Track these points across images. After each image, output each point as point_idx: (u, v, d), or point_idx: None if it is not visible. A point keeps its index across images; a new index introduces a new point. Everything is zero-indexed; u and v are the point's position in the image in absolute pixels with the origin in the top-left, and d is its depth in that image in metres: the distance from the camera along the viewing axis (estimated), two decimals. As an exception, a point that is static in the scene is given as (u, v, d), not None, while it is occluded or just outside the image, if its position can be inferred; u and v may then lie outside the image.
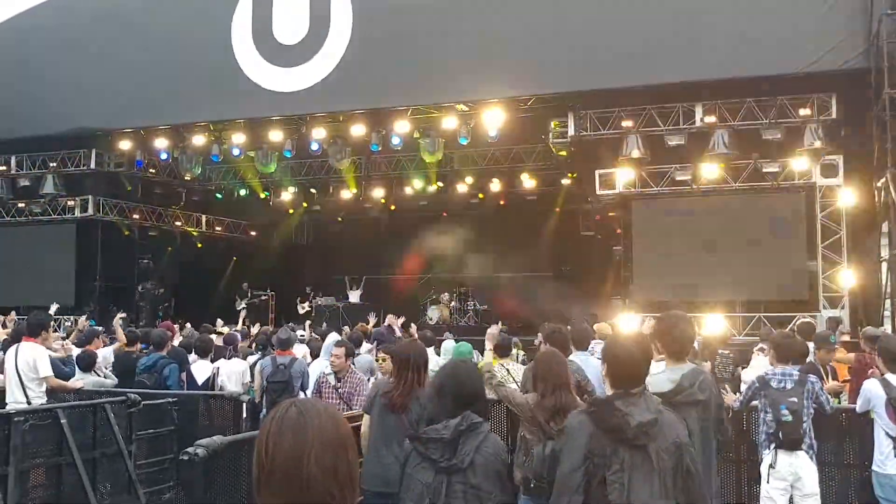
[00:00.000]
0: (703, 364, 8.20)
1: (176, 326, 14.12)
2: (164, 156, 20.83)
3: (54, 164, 21.57)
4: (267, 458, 1.81)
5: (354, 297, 23.48)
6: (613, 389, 3.80)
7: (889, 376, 6.39)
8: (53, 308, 11.22)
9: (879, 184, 14.51)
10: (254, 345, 11.76)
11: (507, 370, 7.02)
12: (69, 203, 22.39)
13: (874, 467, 6.37)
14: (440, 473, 3.62)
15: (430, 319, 22.48)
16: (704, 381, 4.60)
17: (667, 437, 3.65)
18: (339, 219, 27.02)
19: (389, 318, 14.03)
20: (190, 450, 4.89)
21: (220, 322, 18.67)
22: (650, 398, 3.80)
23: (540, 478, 5.12)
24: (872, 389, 6.43)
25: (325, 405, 1.95)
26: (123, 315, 12.81)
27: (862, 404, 6.54)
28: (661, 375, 4.67)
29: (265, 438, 1.83)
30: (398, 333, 12.98)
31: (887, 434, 6.26)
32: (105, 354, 10.31)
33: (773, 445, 6.17)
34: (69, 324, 19.39)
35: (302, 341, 11.90)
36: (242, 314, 19.79)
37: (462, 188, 23.86)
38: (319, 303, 22.99)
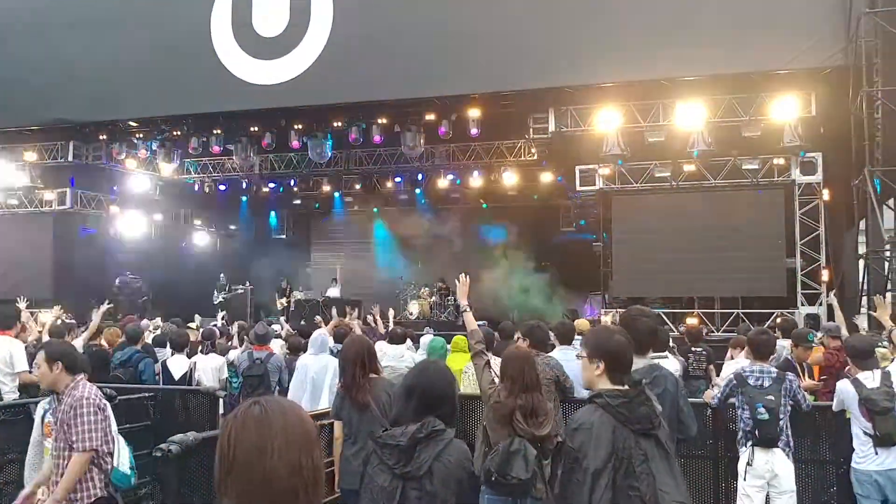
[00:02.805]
0: (676, 360, 8.22)
1: (148, 321, 13.96)
2: (142, 149, 20.63)
3: (32, 157, 21.33)
4: (229, 452, 1.78)
5: (334, 291, 23.44)
6: (613, 382, 3.76)
7: (861, 376, 6.42)
8: (22, 304, 11.09)
9: (857, 181, 14.59)
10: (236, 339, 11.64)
11: (488, 361, 6.99)
12: (47, 196, 22.17)
13: (853, 464, 6.40)
14: (396, 478, 3.57)
15: (411, 314, 22.46)
16: (658, 378, 4.57)
17: (665, 427, 3.72)
18: (320, 212, 26.91)
19: (373, 311, 13.91)
20: (163, 446, 4.83)
21: (197, 318, 18.56)
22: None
23: (503, 473, 5.11)
24: (845, 390, 6.48)
25: (291, 403, 1.91)
26: (110, 305, 12.61)
27: (836, 404, 6.60)
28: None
29: (227, 433, 1.80)
30: (381, 330, 12.91)
31: (864, 432, 6.31)
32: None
33: (749, 443, 6.18)
34: (46, 317, 19.18)
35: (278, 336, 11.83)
36: (222, 311, 19.67)
37: (443, 183, 23.82)
38: (298, 297, 22.91)
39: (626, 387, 3.72)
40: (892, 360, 6.85)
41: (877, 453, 6.26)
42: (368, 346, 6.02)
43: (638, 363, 4.51)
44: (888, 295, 13.75)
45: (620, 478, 3.53)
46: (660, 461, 3.57)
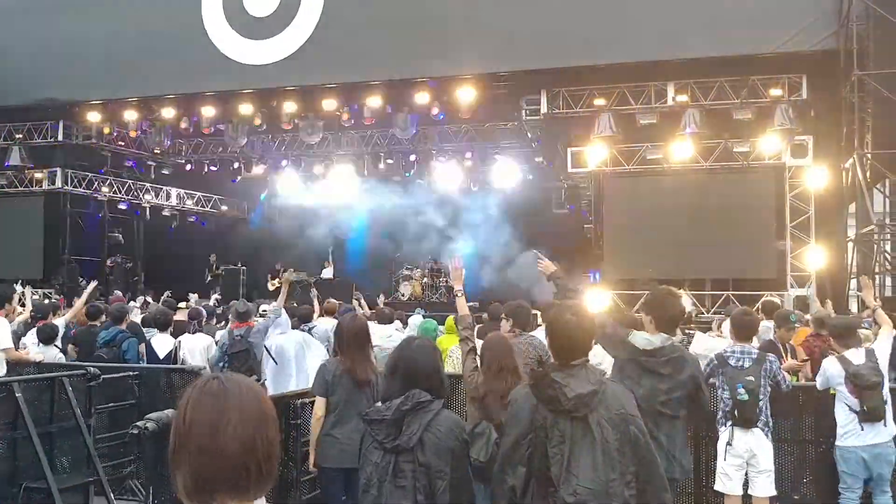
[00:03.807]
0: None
1: (139, 300, 13.95)
2: (133, 128, 20.53)
3: (20, 136, 21.23)
4: (183, 426, 1.78)
5: (327, 272, 23.42)
6: (557, 360, 3.80)
7: (847, 353, 6.48)
8: (18, 287, 11.09)
9: (847, 164, 14.62)
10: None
11: (472, 347, 7.01)
12: (36, 175, 22.09)
13: (837, 442, 6.48)
14: (387, 453, 3.60)
15: (402, 295, 22.50)
16: (676, 358, 4.86)
17: (610, 408, 3.61)
18: (310, 193, 26.84)
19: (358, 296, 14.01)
20: (140, 423, 4.86)
21: (192, 297, 18.53)
22: (592, 370, 3.77)
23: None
24: (831, 367, 6.54)
25: (249, 381, 1.92)
26: (96, 284, 12.61)
27: (821, 382, 6.66)
28: (640, 334, 4.94)
29: (184, 407, 1.81)
30: (366, 310, 12.97)
31: (850, 409, 6.38)
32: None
33: (729, 423, 6.23)
34: (36, 297, 19.17)
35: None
36: (215, 294, 19.68)
37: (434, 164, 23.76)
38: (291, 278, 22.84)
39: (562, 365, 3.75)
40: (874, 341, 6.91)
41: (862, 429, 6.33)
42: (367, 325, 6.16)
43: (663, 337, 4.84)
44: (876, 277, 13.82)
45: (538, 456, 3.57)
46: (581, 444, 3.53)
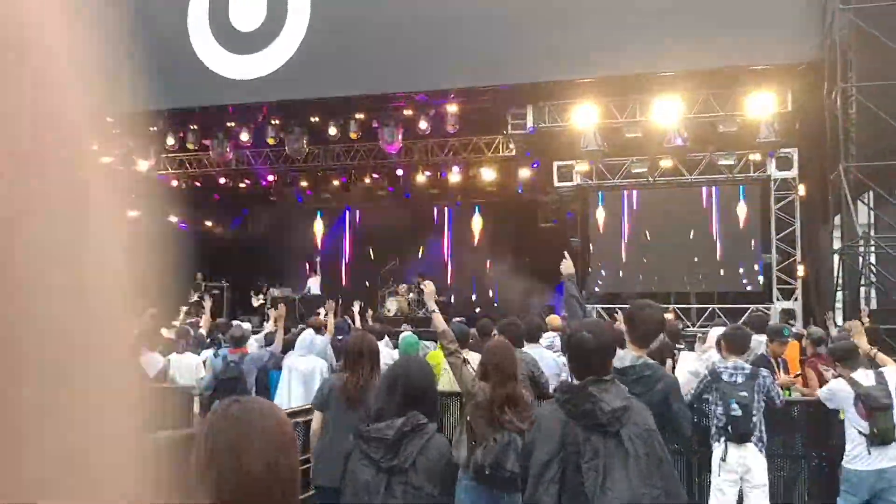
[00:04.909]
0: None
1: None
2: (117, 144, 20.41)
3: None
4: (205, 452, 1.77)
5: (314, 284, 23.25)
6: (576, 377, 3.77)
7: (855, 375, 6.41)
8: None
9: (832, 177, 14.70)
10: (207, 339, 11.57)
11: (465, 359, 6.99)
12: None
13: (844, 464, 6.40)
14: (381, 472, 3.58)
15: (389, 311, 22.40)
16: (646, 379, 4.62)
17: (638, 424, 3.65)
18: (297, 208, 26.76)
19: (353, 308, 13.90)
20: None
21: (182, 311, 18.37)
22: (619, 386, 3.80)
23: (497, 467, 5.20)
24: (839, 389, 6.46)
25: (269, 404, 1.92)
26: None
27: (829, 401, 6.55)
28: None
29: (205, 433, 1.81)
30: (357, 324, 12.89)
31: (859, 432, 6.29)
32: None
33: (723, 438, 6.22)
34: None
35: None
36: (208, 305, 19.51)
37: (421, 179, 23.74)
38: (275, 294, 22.74)
39: (596, 379, 3.73)
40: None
41: (869, 453, 6.25)
42: (377, 348, 6.14)
43: (625, 359, 4.60)
44: (861, 290, 13.89)
45: (570, 472, 3.55)
46: (615, 459, 3.54)
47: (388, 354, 9.24)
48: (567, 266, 5.76)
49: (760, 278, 16.78)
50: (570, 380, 3.98)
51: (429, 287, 6.36)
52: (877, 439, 6.22)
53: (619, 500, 3.48)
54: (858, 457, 6.32)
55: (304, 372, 8.02)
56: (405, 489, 3.55)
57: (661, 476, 3.60)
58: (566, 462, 3.57)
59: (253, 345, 10.31)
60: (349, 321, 13.10)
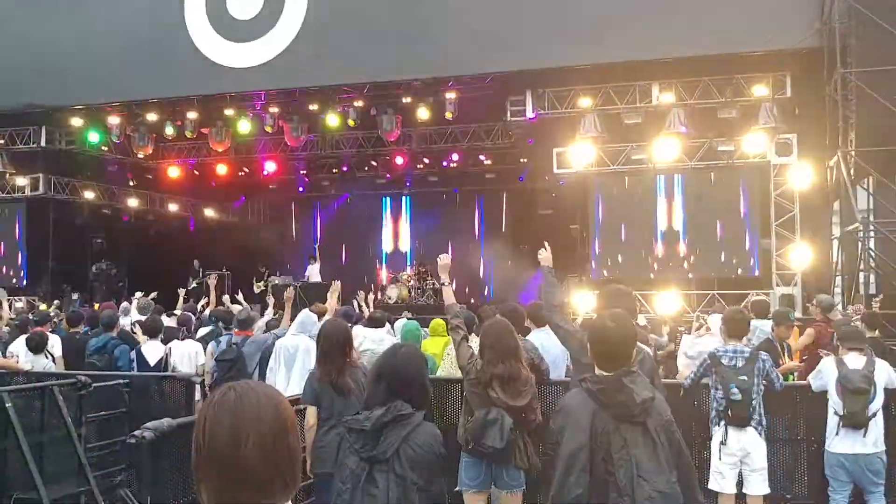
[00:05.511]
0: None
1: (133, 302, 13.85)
2: (116, 133, 20.36)
3: (2, 142, 21.03)
4: (204, 441, 1.77)
5: (314, 271, 23.23)
6: (602, 368, 3.78)
7: (847, 357, 6.46)
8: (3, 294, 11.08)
9: (832, 163, 14.71)
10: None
11: (465, 335, 7.01)
12: (19, 181, 21.89)
13: (825, 446, 6.46)
14: (363, 461, 3.60)
15: (390, 298, 22.43)
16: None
17: (661, 414, 3.71)
18: (297, 196, 26.78)
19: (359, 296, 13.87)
20: (137, 432, 4.80)
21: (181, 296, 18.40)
22: (644, 377, 3.85)
23: (478, 441, 5.33)
24: (827, 367, 6.52)
25: (267, 388, 1.90)
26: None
27: (817, 385, 6.59)
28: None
29: (202, 422, 1.79)
30: (366, 311, 12.88)
31: (835, 412, 6.37)
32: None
33: (722, 422, 6.24)
34: (20, 305, 19.01)
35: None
36: (212, 284, 19.52)
37: (420, 166, 23.75)
38: (275, 282, 22.74)
39: (610, 373, 3.73)
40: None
41: (837, 433, 6.32)
42: (348, 331, 6.08)
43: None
44: (860, 275, 13.91)
45: (599, 462, 3.57)
46: (643, 448, 3.57)
47: (389, 342, 9.24)
48: (546, 258, 5.81)
49: (759, 264, 16.78)
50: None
51: (443, 260, 6.44)
52: (846, 420, 6.27)
53: (656, 490, 3.51)
54: (837, 438, 6.37)
55: (288, 347, 8.02)
56: (387, 478, 3.54)
57: (678, 465, 3.66)
58: (595, 452, 3.59)
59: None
60: (359, 304, 13.05)
